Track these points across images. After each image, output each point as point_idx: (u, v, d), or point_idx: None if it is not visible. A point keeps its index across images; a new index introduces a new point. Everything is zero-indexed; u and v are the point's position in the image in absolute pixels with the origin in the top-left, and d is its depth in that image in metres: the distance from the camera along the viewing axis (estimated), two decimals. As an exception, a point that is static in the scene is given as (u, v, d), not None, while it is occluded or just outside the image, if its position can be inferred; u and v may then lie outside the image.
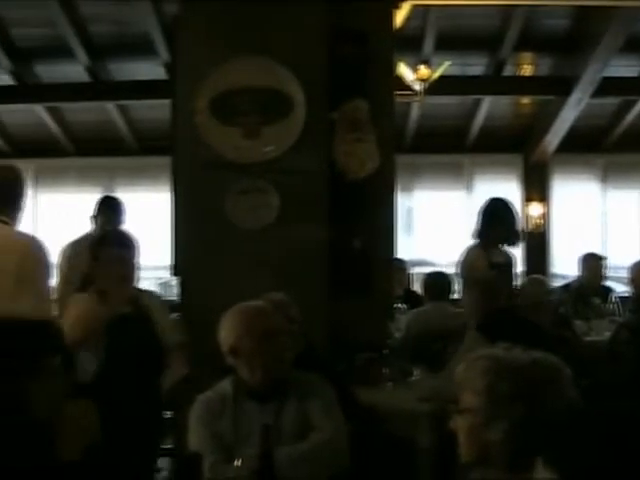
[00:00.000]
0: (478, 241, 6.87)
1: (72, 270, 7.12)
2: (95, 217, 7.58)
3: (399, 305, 8.02)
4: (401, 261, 8.69)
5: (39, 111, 11.74)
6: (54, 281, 7.34)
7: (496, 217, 6.84)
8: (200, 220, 5.97)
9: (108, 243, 5.46)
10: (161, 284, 13.08)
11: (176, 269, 6.22)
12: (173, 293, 12.27)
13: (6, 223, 5.39)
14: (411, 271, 10.14)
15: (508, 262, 7.02)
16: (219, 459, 3.65)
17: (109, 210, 7.56)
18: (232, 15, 5.99)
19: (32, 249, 5.44)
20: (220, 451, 3.72)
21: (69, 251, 7.37)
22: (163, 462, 7.61)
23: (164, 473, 7.48)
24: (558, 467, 2.36)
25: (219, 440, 3.79)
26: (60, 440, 2.84)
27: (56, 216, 12.04)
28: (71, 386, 2.97)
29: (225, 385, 3.95)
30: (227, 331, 3.91)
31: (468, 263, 6.80)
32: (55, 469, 2.79)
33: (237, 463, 3.29)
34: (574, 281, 8.83)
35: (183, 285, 6.12)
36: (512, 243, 7.01)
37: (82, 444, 2.87)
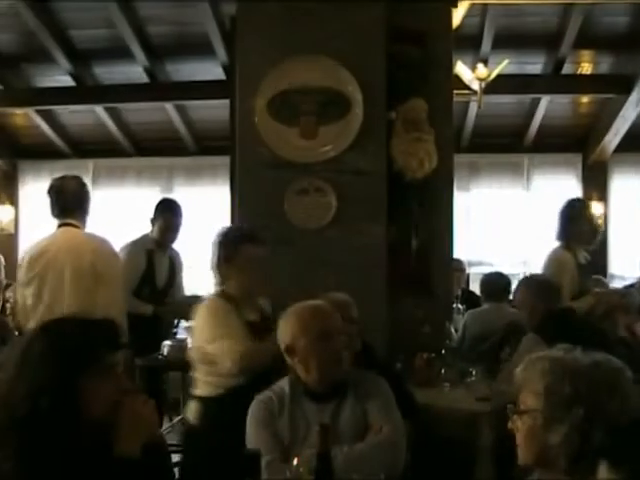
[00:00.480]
0: (562, 242, 6.77)
1: (129, 271, 7.20)
2: (153, 219, 7.62)
3: (457, 305, 7.98)
4: (459, 261, 8.63)
5: (98, 112, 11.83)
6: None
7: (579, 217, 6.76)
8: (258, 219, 5.97)
9: (248, 239, 4.92)
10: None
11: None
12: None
13: (77, 227, 6.12)
14: (469, 271, 10.09)
15: (588, 262, 6.96)
16: (276, 458, 3.65)
17: (167, 212, 7.60)
18: (290, 15, 6.01)
19: (103, 249, 6.18)
20: (277, 450, 3.72)
21: (126, 252, 7.42)
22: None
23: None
24: (624, 470, 2.32)
25: (276, 439, 3.79)
26: (118, 437, 2.85)
27: (115, 216, 12.15)
28: (131, 383, 2.99)
29: (283, 384, 3.95)
30: (284, 330, 3.92)
31: (559, 264, 6.68)
32: (113, 466, 2.80)
33: (294, 463, 3.29)
34: (637, 282, 8.71)
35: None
36: (593, 243, 6.95)
37: (141, 441, 2.88)
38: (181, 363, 6.79)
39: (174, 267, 7.79)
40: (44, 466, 2.70)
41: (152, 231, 7.63)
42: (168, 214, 7.60)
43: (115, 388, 2.88)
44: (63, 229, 6.15)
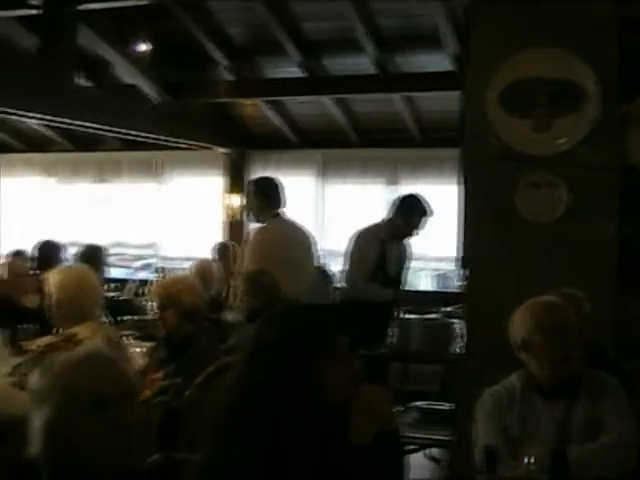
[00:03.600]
0: None
1: (362, 259, 7.39)
2: (401, 216, 7.72)
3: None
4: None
5: (326, 103, 12.01)
6: (343, 267, 7.78)
7: None
8: (489, 212, 5.92)
9: None
10: (438, 276, 13.13)
11: (464, 261, 6.20)
12: (450, 285, 12.34)
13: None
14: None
15: None
16: (506, 454, 3.62)
17: (419, 215, 7.69)
18: (524, 6, 5.92)
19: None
20: (506, 446, 3.70)
21: (361, 240, 7.58)
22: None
23: (442, 463, 7.55)
24: None
25: (505, 434, 3.77)
26: (352, 424, 2.88)
27: (341, 206, 12.33)
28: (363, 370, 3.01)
29: (513, 380, 3.93)
30: (518, 325, 3.89)
31: None
32: (346, 452, 2.84)
33: (525, 460, 3.25)
34: None
35: (470, 277, 6.07)
36: None
37: (374, 429, 2.90)
38: (405, 354, 6.85)
39: (404, 256, 7.93)
40: (281, 453, 2.75)
41: (390, 222, 7.74)
42: (419, 216, 7.71)
43: (350, 374, 2.91)
44: (281, 217, 7.50)
